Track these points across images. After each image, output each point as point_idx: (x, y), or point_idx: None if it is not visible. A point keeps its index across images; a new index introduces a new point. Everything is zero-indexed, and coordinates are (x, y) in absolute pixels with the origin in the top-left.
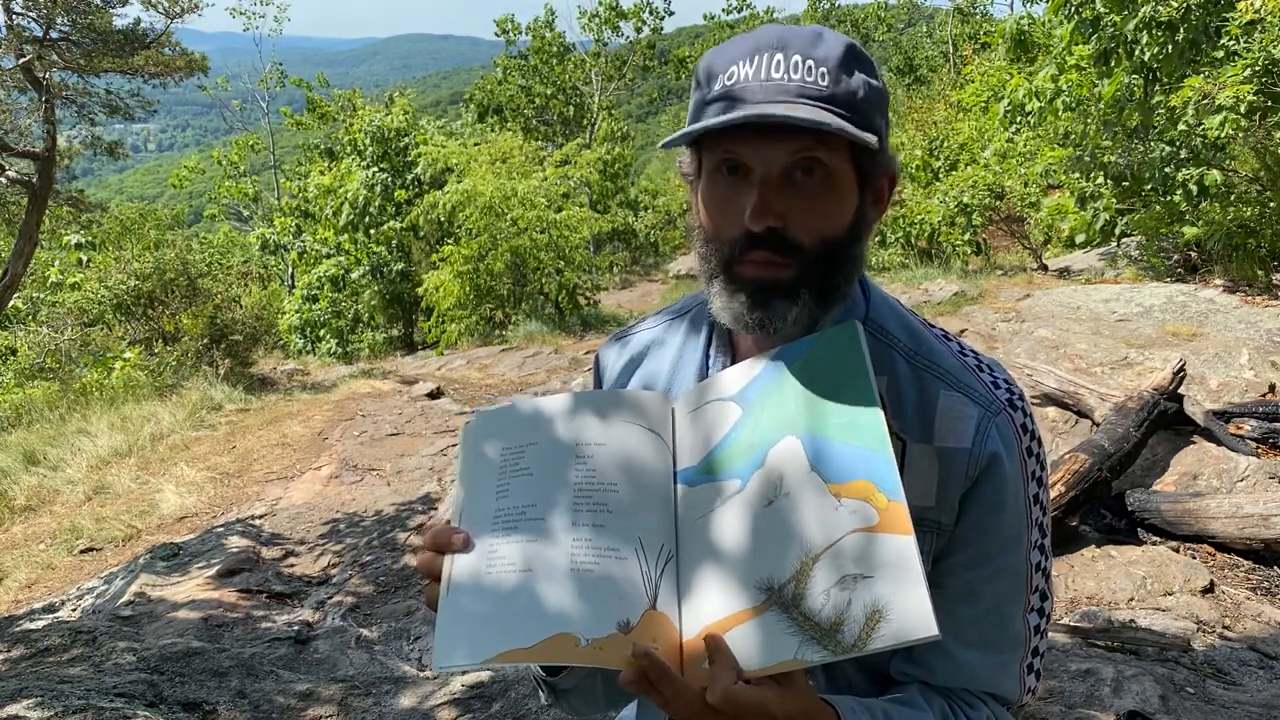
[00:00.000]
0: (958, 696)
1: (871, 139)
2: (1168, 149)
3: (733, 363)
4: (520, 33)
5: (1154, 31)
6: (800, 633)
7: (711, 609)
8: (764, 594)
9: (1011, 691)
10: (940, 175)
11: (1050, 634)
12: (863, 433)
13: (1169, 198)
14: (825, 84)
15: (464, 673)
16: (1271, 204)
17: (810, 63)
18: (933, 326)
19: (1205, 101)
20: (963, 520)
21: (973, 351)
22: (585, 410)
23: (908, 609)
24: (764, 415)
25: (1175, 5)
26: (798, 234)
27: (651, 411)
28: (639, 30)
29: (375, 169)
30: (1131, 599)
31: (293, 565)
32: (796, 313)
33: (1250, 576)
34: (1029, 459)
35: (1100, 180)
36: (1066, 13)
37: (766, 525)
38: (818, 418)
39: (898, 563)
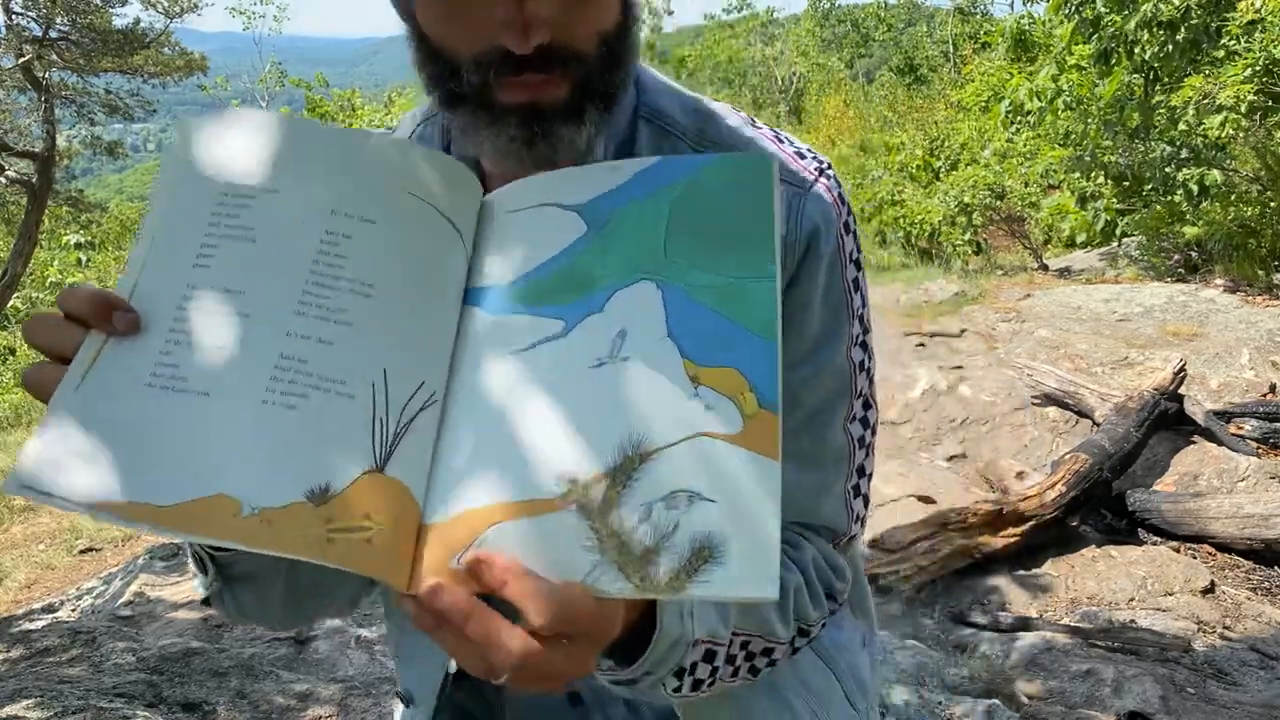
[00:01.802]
0: None
1: None
2: (1168, 149)
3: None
4: None
5: (1154, 31)
6: (599, 550)
7: (479, 490)
8: (563, 487)
9: (837, 519)
10: (940, 175)
11: (1050, 634)
12: (749, 306)
13: (1169, 197)
14: None
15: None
16: (1272, 204)
17: None
18: (715, 104)
19: (1206, 101)
20: (785, 317)
21: (765, 124)
22: (364, 158)
23: (749, 556)
24: (618, 243)
25: (1176, 4)
26: (571, 40)
27: (455, 190)
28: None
29: None
30: (1132, 599)
31: None
32: (586, 136)
33: (1251, 577)
34: (846, 235)
35: (1101, 180)
36: (1067, 12)
37: (587, 394)
38: (692, 268)
39: (754, 491)
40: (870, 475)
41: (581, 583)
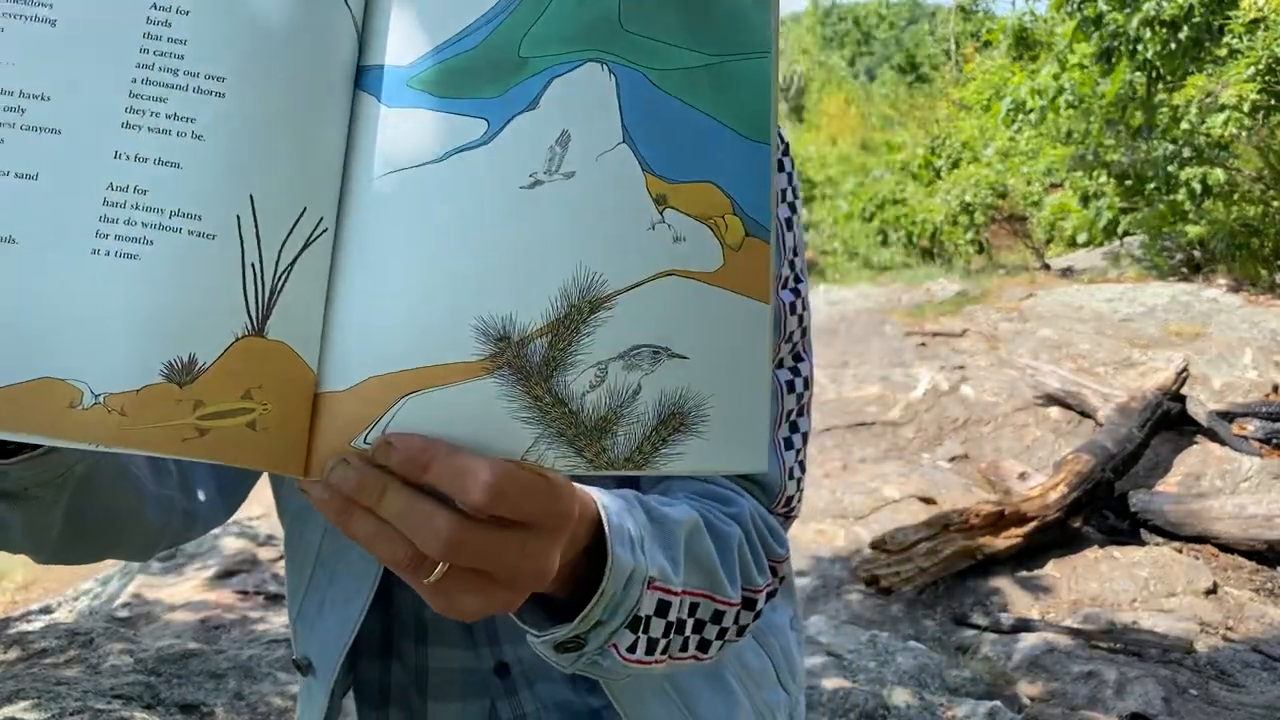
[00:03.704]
0: (706, 495)
1: None
2: (1171, 147)
3: None
4: None
5: (1156, 29)
6: (541, 422)
7: (386, 352)
8: (491, 344)
9: (770, 470)
10: (942, 174)
11: (1052, 635)
12: (735, 96)
13: (1172, 197)
14: None
15: None
16: (1275, 203)
17: None
18: None
19: (1208, 100)
20: None
21: None
22: None
23: (732, 423)
24: (556, 9)
25: (1178, 3)
26: None
27: None
28: None
29: None
30: (1134, 600)
31: None
32: None
33: (1254, 578)
34: (779, 172)
35: (1103, 179)
36: (1068, 10)
37: (519, 223)
38: (657, 44)
39: (737, 344)
40: (806, 439)
41: (524, 458)
